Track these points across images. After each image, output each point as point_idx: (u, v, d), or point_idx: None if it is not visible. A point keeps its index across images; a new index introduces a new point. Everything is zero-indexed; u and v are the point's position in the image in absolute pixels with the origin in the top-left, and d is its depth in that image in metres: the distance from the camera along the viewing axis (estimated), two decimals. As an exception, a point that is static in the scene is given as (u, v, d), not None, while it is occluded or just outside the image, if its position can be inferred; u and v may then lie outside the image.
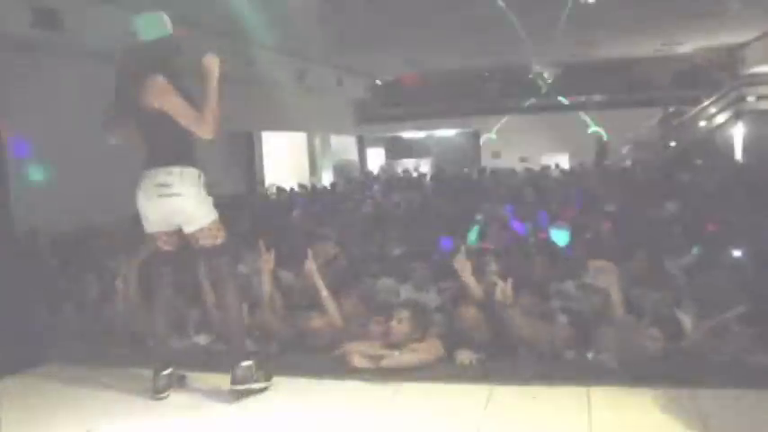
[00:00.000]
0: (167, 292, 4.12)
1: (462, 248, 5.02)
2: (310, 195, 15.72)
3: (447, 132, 25.88)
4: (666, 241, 7.30)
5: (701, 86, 21.14)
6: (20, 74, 9.05)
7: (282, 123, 17.50)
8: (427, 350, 4.22)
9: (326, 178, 20.47)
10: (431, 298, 5.72)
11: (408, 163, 25.57)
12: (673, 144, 20.79)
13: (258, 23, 12.49)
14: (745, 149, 20.27)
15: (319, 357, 4.40)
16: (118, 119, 3.99)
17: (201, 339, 5.07)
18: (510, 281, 4.35)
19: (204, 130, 3.83)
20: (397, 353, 4.18)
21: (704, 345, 4.11)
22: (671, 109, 21.22)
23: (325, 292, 4.74)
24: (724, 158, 19.08)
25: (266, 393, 3.91)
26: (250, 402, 3.82)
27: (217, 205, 3.99)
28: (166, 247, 4.05)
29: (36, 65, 9.64)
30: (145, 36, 3.85)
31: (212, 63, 3.90)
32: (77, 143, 9.87)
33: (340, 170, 22.13)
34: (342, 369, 4.12)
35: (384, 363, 4.12)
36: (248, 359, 3.87)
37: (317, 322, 4.77)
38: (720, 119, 20.62)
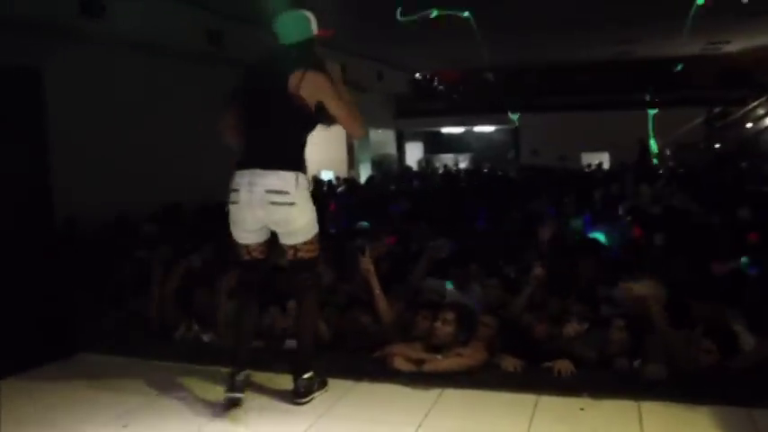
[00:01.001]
0: (255, 299, 3.89)
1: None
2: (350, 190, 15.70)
3: (486, 128, 25.65)
4: (714, 248, 7.11)
5: (747, 87, 20.69)
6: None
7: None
8: (471, 355, 4.11)
9: (365, 172, 20.41)
10: (472, 298, 5.61)
11: (447, 158, 25.44)
12: (717, 146, 20.41)
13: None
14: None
15: (360, 359, 4.31)
16: (234, 119, 3.80)
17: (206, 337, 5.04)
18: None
19: (359, 128, 3.81)
20: (439, 357, 4.09)
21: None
22: (716, 110, 20.82)
23: (378, 291, 4.65)
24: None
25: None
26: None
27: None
28: (257, 255, 3.82)
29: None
30: (290, 37, 3.72)
31: (336, 68, 3.78)
32: (120, 133, 10.04)
33: (378, 164, 22.06)
34: (383, 371, 4.03)
35: (426, 367, 4.03)
36: (310, 370, 3.77)
37: (362, 321, 4.71)
38: (767, 121, 20.21)
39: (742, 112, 20.61)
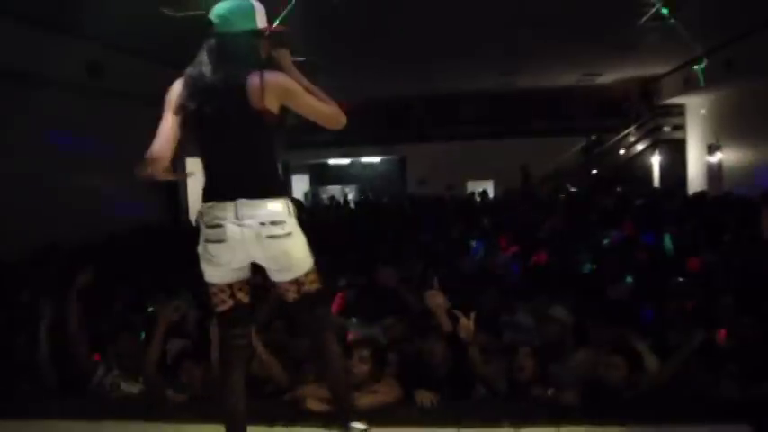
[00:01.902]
0: (243, 363, 3.30)
1: (436, 282, 4.77)
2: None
3: (373, 159, 25.81)
4: (607, 270, 7.33)
5: (619, 116, 21.91)
6: None
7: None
8: (387, 392, 4.00)
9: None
10: (378, 334, 5.50)
11: (334, 190, 25.39)
12: (594, 172, 21.39)
13: (183, 47, 12.18)
14: (662, 176, 21.04)
15: (272, 402, 4.11)
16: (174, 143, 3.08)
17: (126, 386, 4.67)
18: (472, 315, 4.20)
19: (336, 120, 3.22)
20: (355, 394, 3.94)
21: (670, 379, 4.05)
22: (593, 137, 21.88)
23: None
24: (643, 185, 19.76)
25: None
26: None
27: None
28: (242, 298, 3.23)
29: None
30: (232, 25, 3.05)
31: (286, 55, 3.21)
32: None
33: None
34: (298, 414, 3.85)
35: None
36: (356, 418, 3.45)
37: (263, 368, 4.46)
38: (639, 147, 21.39)
39: (615, 139, 21.72)
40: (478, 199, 18.82)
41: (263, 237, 3.01)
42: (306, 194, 25.12)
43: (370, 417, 3.74)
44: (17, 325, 5.53)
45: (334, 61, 14.70)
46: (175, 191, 15.83)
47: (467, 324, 4.19)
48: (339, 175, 26.71)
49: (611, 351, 4.22)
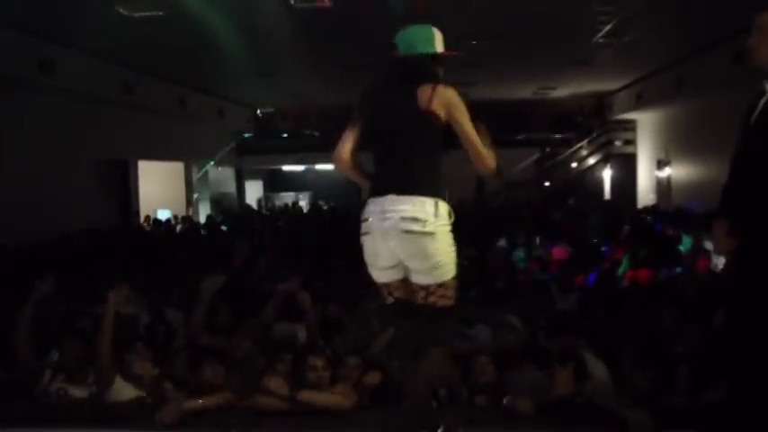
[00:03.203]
0: (410, 348, 3.33)
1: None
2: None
3: (327, 166, 25.74)
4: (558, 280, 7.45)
5: (573, 130, 22.26)
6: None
7: (160, 152, 16.88)
8: (340, 397, 3.99)
9: (204, 210, 19.86)
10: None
11: (287, 197, 25.27)
12: (547, 184, 21.65)
13: (138, 47, 12.07)
14: (612, 189, 21.41)
15: (225, 409, 4.03)
16: (354, 144, 3.35)
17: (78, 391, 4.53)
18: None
19: (488, 162, 3.23)
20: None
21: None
22: (547, 149, 22.17)
23: None
24: (593, 197, 20.08)
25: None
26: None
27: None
28: (399, 296, 3.30)
29: None
30: (413, 49, 3.28)
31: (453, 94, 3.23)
32: None
33: (218, 203, 21.54)
34: (253, 421, 3.81)
35: (302, 395, 3.92)
36: (440, 426, 3.33)
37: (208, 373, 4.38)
38: (591, 161, 21.73)
39: (568, 152, 22.04)
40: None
41: (400, 231, 3.09)
42: (259, 200, 24.97)
43: (327, 424, 3.75)
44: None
45: (289, 67, 14.70)
46: (127, 194, 15.61)
47: None
48: (293, 182, 26.58)
49: (559, 362, 4.27)
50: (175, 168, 18.84)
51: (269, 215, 19.51)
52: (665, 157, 18.14)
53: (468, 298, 6.70)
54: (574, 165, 22.03)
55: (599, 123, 21.94)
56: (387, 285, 3.31)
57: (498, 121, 22.45)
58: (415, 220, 3.07)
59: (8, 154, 10.46)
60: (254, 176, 25.52)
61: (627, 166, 21.08)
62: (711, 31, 12.02)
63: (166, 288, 7.10)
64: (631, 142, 21.05)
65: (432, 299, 3.19)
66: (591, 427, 3.62)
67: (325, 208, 20.83)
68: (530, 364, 4.69)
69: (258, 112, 23.85)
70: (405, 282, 3.27)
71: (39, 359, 4.68)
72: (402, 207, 3.09)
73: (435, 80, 3.22)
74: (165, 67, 14.59)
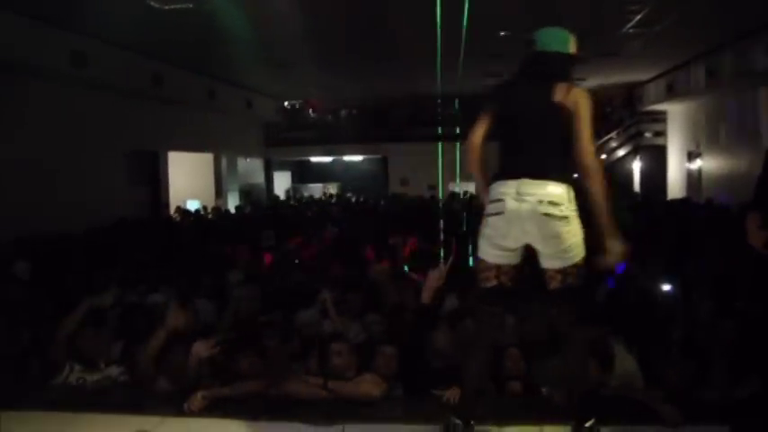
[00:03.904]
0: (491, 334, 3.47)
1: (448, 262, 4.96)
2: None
3: (355, 158, 25.80)
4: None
5: (603, 121, 22.04)
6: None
7: (189, 143, 17.03)
8: (368, 385, 4.02)
9: (232, 201, 19.99)
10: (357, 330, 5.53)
11: (315, 188, 25.36)
12: (575, 176, 21.49)
13: (168, 39, 12.17)
14: (642, 181, 21.21)
15: (255, 396, 4.06)
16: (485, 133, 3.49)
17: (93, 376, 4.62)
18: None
19: (591, 156, 3.25)
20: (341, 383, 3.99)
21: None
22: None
23: None
24: (623, 190, 19.89)
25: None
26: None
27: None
28: (505, 281, 3.38)
29: None
30: (551, 45, 3.43)
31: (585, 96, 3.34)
32: None
33: (246, 194, 21.68)
34: (281, 408, 3.84)
35: (332, 385, 3.95)
36: (591, 417, 3.34)
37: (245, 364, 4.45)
38: (621, 152, 21.54)
39: (597, 144, 21.85)
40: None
41: (538, 213, 3.18)
42: (287, 191, 25.08)
43: (353, 412, 3.77)
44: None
45: (318, 59, 14.71)
46: (157, 185, 15.77)
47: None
48: (321, 173, 26.67)
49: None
50: (204, 159, 18.99)
51: (297, 206, 19.62)
52: (696, 148, 17.93)
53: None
54: (603, 156, 21.87)
55: (629, 115, 21.74)
56: (498, 267, 3.37)
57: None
58: (553, 204, 3.17)
59: (39, 146, 10.60)
60: (282, 167, 25.64)
61: (657, 158, 20.89)
62: (744, 20, 11.84)
63: (196, 278, 7.17)
64: (662, 134, 20.85)
65: (569, 280, 3.29)
66: (621, 418, 3.59)
67: (354, 200, 20.84)
68: (556, 355, 4.68)
69: (286, 103, 23.93)
70: (515, 268, 3.38)
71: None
72: (540, 191, 3.19)
73: (569, 78, 3.37)
74: (195, 60, 14.69)
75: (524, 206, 3.19)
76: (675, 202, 16.17)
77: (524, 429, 3.58)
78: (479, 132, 3.48)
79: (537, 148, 3.31)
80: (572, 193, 3.23)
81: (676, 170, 19.85)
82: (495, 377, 4.36)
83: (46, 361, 4.65)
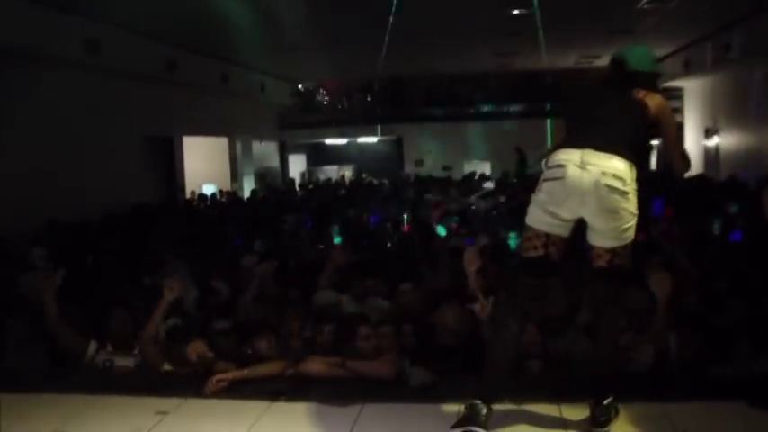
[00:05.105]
0: (525, 314, 3.34)
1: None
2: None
3: (370, 139, 25.75)
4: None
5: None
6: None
7: (204, 128, 17.06)
8: (381, 365, 4.05)
9: (248, 185, 20.04)
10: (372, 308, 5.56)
11: (330, 170, 25.35)
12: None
13: (181, 24, 12.17)
14: (658, 158, 21.04)
15: (273, 378, 4.10)
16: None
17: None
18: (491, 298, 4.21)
19: (681, 165, 3.54)
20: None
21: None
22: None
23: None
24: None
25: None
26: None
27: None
28: (552, 252, 3.25)
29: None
30: (639, 65, 3.46)
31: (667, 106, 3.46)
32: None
33: (262, 177, 21.71)
34: (299, 389, 3.87)
35: (349, 364, 3.98)
36: (609, 395, 3.31)
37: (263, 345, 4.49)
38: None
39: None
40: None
41: (601, 185, 3.06)
42: (302, 174, 25.09)
43: (370, 392, 3.79)
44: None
45: (331, 40, 14.68)
46: (172, 170, 15.82)
47: (484, 305, 4.19)
48: (336, 156, 26.64)
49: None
50: (220, 144, 19.03)
51: (312, 188, 19.65)
52: (713, 125, 17.75)
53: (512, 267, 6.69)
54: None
55: (645, 91, 21.51)
56: (547, 236, 3.23)
57: (541, 90, 22.27)
58: (616, 177, 3.07)
59: (55, 132, 10.65)
60: (297, 150, 25.64)
61: (674, 135, 20.69)
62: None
63: (212, 261, 7.23)
64: (678, 110, 20.62)
65: (617, 260, 3.22)
66: (640, 398, 3.59)
67: (376, 183, 20.78)
68: (573, 332, 4.68)
69: (300, 86, 23.90)
70: (564, 241, 3.26)
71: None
72: (604, 162, 3.09)
73: (652, 89, 3.42)
74: (208, 44, 14.69)
75: (586, 175, 3.07)
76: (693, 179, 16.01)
77: (543, 408, 3.58)
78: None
79: (606, 127, 3.23)
80: (635, 172, 3.14)
81: (693, 147, 19.65)
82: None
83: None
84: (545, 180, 3.21)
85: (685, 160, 3.57)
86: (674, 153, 3.55)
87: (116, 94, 12.63)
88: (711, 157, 17.89)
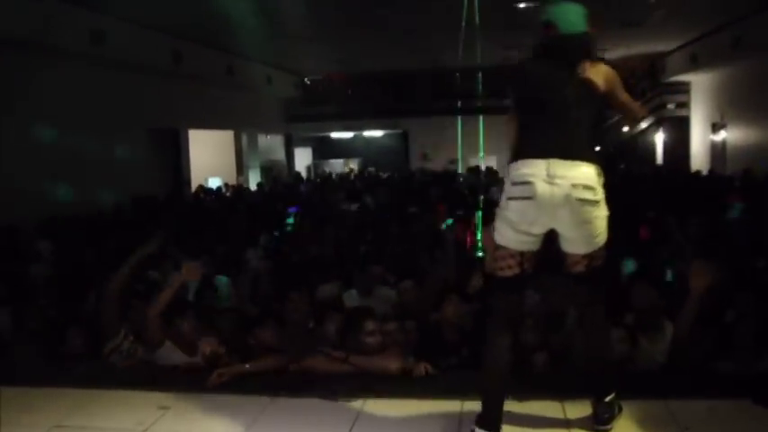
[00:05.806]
0: (513, 328, 3.25)
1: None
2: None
3: (376, 133, 25.71)
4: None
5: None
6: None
7: (209, 121, 17.05)
8: (384, 359, 4.04)
9: (254, 178, 20.04)
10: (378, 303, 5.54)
11: (336, 164, 25.34)
12: (597, 148, 21.29)
13: (186, 16, 12.15)
14: (665, 153, 20.96)
15: (274, 374, 4.09)
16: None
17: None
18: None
19: (638, 112, 3.63)
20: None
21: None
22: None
23: None
24: (646, 162, 19.69)
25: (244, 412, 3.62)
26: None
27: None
28: (528, 268, 3.18)
29: None
30: (573, 26, 3.22)
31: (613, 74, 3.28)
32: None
33: (268, 170, 21.71)
34: (301, 385, 3.87)
35: (353, 359, 3.99)
36: (611, 392, 3.29)
37: (268, 336, 4.48)
38: (643, 124, 21.26)
39: (619, 116, 21.59)
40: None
41: (572, 199, 2.96)
42: (308, 168, 25.09)
43: (373, 388, 3.78)
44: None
45: (336, 33, 14.63)
46: (178, 163, 15.83)
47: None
48: (342, 149, 26.61)
49: (614, 325, 4.22)
50: (225, 137, 19.03)
51: (319, 182, 19.62)
52: (721, 119, 17.66)
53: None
54: (625, 128, 21.62)
55: (651, 86, 21.41)
56: (521, 254, 3.15)
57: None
58: (587, 188, 2.98)
59: (61, 125, 10.65)
60: (303, 144, 25.62)
61: (680, 130, 20.61)
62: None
63: (215, 254, 7.23)
64: (685, 105, 20.54)
65: (595, 263, 3.15)
66: (643, 396, 3.57)
67: (385, 176, 20.73)
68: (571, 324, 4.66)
69: (306, 79, 23.85)
70: (537, 254, 3.17)
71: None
72: (573, 173, 2.97)
73: (593, 57, 3.23)
74: (214, 36, 14.65)
75: (557, 190, 2.95)
76: (700, 175, 15.93)
77: (546, 405, 3.56)
78: (513, 121, 3.27)
79: (565, 126, 3.09)
80: (601, 172, 3.05)
81: (700, 142, 19.59)
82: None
83: (94, 324, 4.69)
84: (512, 198, 3.09)
85: (636, 104, 3.55)
86: (630, 111, 3.46)
87: (122, 87, 12.62)
88: (718, 151, 17.82)
